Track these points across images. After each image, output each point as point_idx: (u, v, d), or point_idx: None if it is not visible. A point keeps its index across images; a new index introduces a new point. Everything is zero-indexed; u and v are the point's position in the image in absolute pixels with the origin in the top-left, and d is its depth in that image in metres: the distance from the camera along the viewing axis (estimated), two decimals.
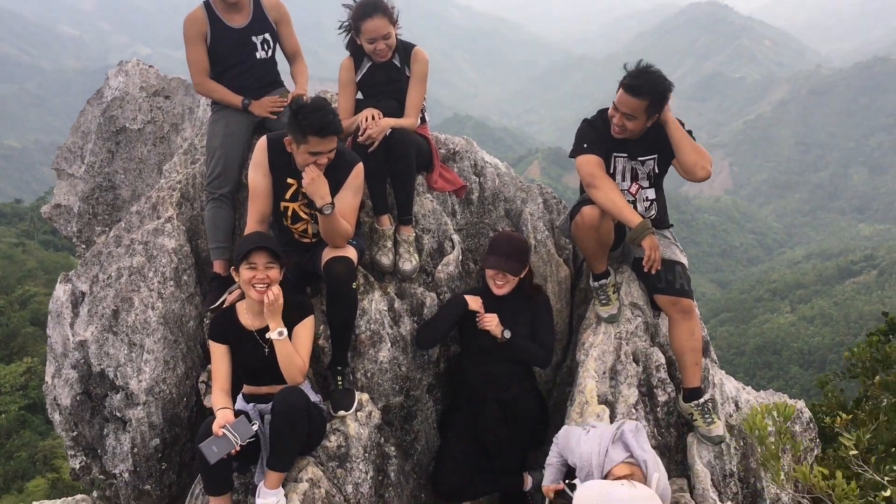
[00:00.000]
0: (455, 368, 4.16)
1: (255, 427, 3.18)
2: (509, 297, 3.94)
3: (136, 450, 3.78)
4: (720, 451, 3.86)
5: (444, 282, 4.22)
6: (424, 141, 4.26)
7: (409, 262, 4.10)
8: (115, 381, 3.86)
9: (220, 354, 3.36)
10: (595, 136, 3.88)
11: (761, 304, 71.47)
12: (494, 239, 4.10)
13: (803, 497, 3.19)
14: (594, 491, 2.85)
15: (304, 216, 3.68)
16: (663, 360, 4.03)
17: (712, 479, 3.75)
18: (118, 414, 3.87)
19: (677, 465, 3.93)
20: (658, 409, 3.94)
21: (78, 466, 4.14)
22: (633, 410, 3.80)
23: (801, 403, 4.53)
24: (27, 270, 38.28)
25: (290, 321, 3.32)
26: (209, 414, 3.36)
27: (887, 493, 3.04)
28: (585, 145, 3.85)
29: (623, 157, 3.94)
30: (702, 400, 3.86)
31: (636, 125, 3.76)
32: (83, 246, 5.33)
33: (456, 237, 4.36)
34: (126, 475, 3.83)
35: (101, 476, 4.08)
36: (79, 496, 4.35)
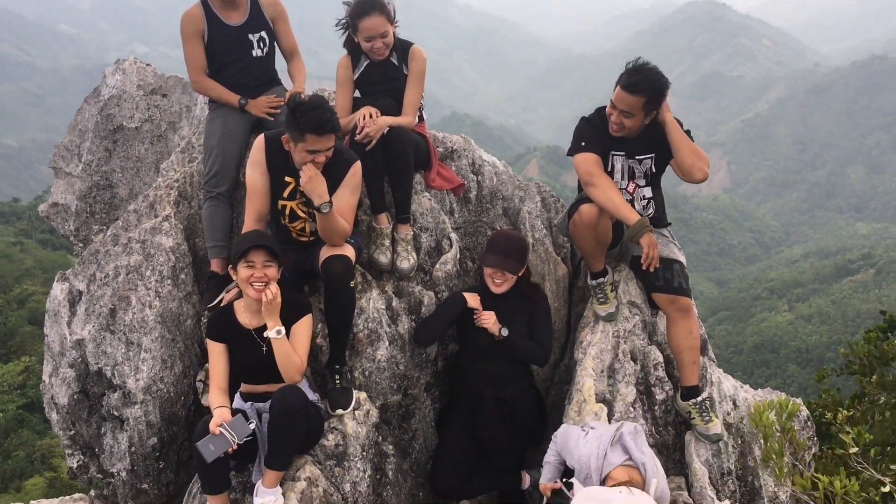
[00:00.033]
0: (453, 367, 4.16)
1: (251, 426, 3.18)
2: (507, 296, 3.94)
3: (133, 448, 3.78)
4: (718, 449, 3.87)
5: (442, 280, 4.22)
6: (422, 139, 4.25)
7: (407, 261, 4.09)
8: (113, 379, 3.86)
9: (217, 353, 3.35)
10: (593, 134, 3.88)
11: (759, 303, 71.59)
12: (492, 237, 4.10)
13: (803, 494, 3.19)
14: (593, 497, 2.85)
15: (302, 214, 3.67)
16: (661, 359, 4.03)
17: (710, 478, 3.75)
18: (116, 413, 3.86)
19: (675, 463, 3.93)
20: (656, 408, 3.94)
21: (75, 465, 4.14)
22: (631, 409, 3.80)
23: (798, 401, 4.53)
24: (25, 269, 38.27)
25: (288, 320, 3.31)
26: (207, 413, 3.35)
27: (886, 489, 3.05)
28: (583, 143, 3.85)
29: (621, 155, 3.93)
30: (700, 398, 3.86)
31: (634, 123, 3.76)
32: (81, 244, 5.32)
33: (454, 235, 4.35)
34: (124, 474, 3.82)
35: (99, 475, 4.08)
36: (76, 495, 4.34)
